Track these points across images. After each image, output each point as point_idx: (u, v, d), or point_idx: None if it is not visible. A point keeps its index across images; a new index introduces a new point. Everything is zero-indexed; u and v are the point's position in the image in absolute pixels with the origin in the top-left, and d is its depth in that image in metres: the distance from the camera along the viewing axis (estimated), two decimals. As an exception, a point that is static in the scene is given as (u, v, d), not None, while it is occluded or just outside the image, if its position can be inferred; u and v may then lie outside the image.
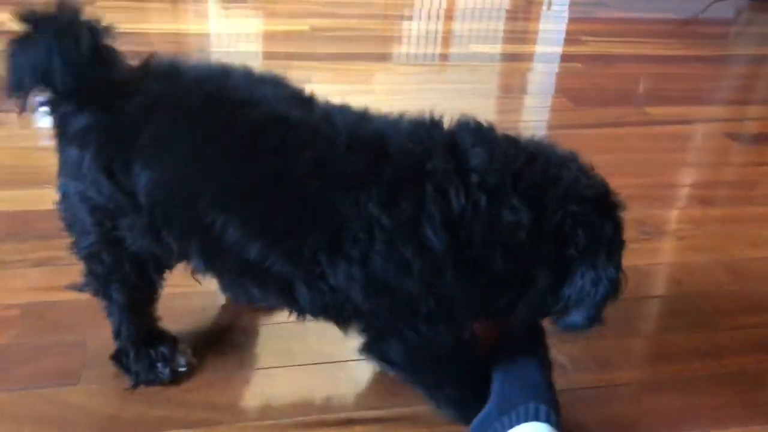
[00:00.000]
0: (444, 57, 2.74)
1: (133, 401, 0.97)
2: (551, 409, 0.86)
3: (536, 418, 0.84)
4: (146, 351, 1.00)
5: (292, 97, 0.87)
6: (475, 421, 0.89)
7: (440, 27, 3.10)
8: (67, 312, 1.12)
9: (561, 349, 1.12)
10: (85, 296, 1.11)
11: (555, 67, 2.62)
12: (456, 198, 0.78)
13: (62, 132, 0.85)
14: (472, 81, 2.39)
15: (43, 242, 1.28)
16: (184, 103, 0.83)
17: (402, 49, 2.74)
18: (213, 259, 0.86)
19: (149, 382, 1.00)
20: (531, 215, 0.79)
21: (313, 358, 1.06)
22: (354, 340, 0.90)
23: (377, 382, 1.04)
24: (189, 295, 1.16)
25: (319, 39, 2.62)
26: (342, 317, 0.87)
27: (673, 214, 1.59)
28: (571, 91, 2.28)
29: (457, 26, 3.15)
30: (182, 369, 1.02)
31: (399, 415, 0.98)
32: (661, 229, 1.51)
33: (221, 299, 1.17)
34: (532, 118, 2.12)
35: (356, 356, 0.99)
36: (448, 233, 0.78)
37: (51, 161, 0.89)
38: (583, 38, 2.89)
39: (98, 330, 1.07)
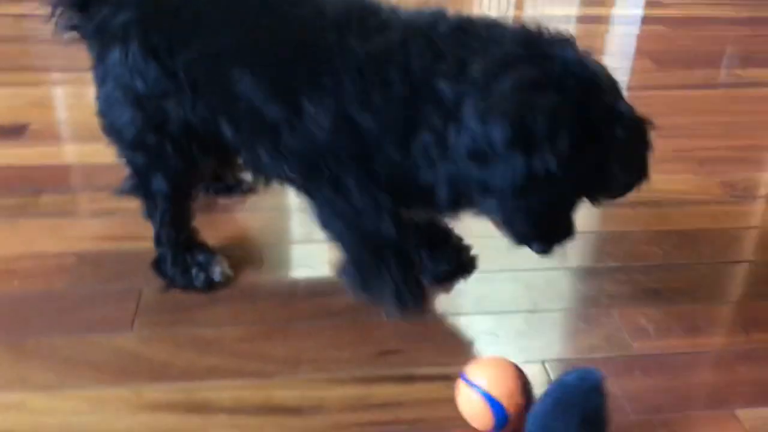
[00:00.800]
0: (518, 19, 2.63)
1: (185, 349, 0.93)
2: None
3: None
4: (183, 256, 1.04)
5: None
6: None
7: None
8: (122, 262, 1.09)
9: (644, 312, 1.03)
10: (141, 247, 1.11)
11: (635, 29, 2.48)
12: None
13: (100, 38, 0.93)
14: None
15: (102, 194, 1.26)
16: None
17: (475, 9, 2.65)
18: (236, 121, 0.92)
19: (183, 288, 1.03)
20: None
21: (372, 313, 1.00)
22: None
23: (440, 339, 0.98)
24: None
25: None
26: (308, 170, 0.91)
27: (764, 177, 1.46)
28: (654, 53, 2.14)
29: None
30: (217, 279, 1.04)
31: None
32: (751, 192, 1.39)
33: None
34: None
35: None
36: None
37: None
38: (666, 1, 2.72)
39: (152, 280, 1.05)
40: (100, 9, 0.91)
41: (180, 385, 0.88)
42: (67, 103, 1.68)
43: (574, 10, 2.74)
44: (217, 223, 1.20)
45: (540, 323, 1.01)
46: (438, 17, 0.86)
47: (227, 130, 0.93)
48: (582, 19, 2.58)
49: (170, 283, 1.03)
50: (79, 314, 0.98)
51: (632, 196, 1.32)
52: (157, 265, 1.05)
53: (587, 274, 1.12)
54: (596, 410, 0.77)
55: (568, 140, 0.73)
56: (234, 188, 1.28)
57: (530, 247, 0.86)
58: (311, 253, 1.14)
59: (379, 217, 0.89)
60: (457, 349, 0.97)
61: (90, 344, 0.93)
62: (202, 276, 1.03)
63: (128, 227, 1.17)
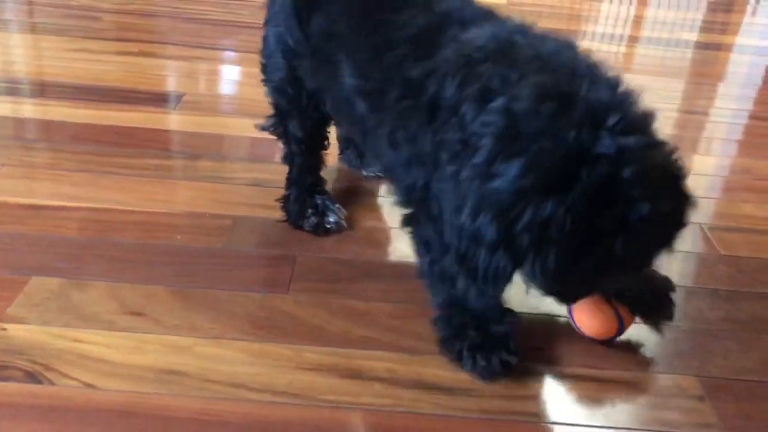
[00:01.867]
0: (633, 39, 2.59)
1: (340, 317, 0.96)
2: None
3: None
4: (304, 198, 1.14)
5: None
6: None
7: (632, 11, 2.95)
8: (276, 229, 1.14)
9: None
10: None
11: (764, 60, 2.40)
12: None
13: None
14: (662, 64, 2.23)
15: (254, 165, 1.32)
16: None
17: (591, 27, 2.63)
18: (334, 102, 1.02)
19: (296, 226, 1.13)
20: None
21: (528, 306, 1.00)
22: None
23: (589, 342, 0.97)
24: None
25: (514, 13, 2.55)
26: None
27: None
28: (791, 85, 2.07)
29: (650, 12, 2.99)
30: (329, 225, 1.13)
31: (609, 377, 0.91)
32: None
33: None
34: (731, 106, 1.94)
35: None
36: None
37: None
38: (804, 34, 2.63)
39: (307, 249, 1.09)
40: None
41: (336, 350, 0.90)
42: (216, 78, 1.76)
43: (694, 36, 2.67)
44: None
45: (685, 337, 1.00)
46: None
47: (329, 108, 1.05)
48: (702, 46, 2.52)
49: (286, 218, 1.14)
50: (238, 273, 1.03)
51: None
52: (283, 202, 1.16)
53: (736, 297, 1.09)
54: None
55: (555, 261, 0.70)
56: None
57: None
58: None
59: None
60: (607, 353, 0.96)
61: (249, 301, 0.98)
62: (314, 219, 1.13)
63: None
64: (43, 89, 1.59)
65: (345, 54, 0.95)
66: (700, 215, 1.32)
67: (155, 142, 1.38)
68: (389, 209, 1.22)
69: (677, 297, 1.05)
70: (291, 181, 1.16)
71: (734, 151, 1.66)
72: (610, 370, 0.92)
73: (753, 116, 1.88)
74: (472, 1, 0.96)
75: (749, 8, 3.12)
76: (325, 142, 1.17)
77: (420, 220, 0.90)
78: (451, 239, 0.78)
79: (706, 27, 2.83)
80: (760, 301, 1.08)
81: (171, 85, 1.65)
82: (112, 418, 0.78)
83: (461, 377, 0.88)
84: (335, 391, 0.85)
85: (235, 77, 1.78)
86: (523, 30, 0.86)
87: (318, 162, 1.17)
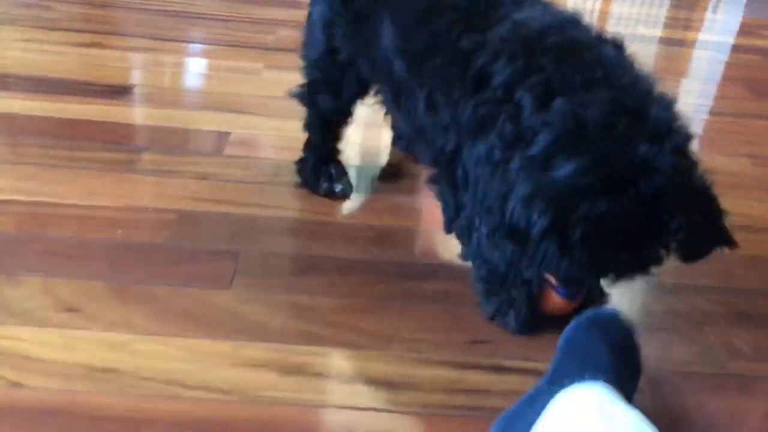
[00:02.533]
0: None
1: (281, 313, 0.95)
2: (612, 386, 0.73)
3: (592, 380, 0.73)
4: (319, 164, 1.22)
5: None
6: (524, 397, 0.78)
7: (597, 6, 2.97)
8: (221, 224, 1.12)
9: (738, 335, 1.00)
10: (238, 211, 1.14)
11: (725, 56, 2.43)
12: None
13: None
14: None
15: (201, 158, 1.30)
16: None
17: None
18: (372, 64, 1.06)
19: (309, 189, 1.22)
20: None
21: (464, 302, 1.00)
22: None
23: (537, 336, 0.97)
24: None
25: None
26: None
27: None
28: (749, 81, 2.09)
29: (615, 8, 3.01)
30: (336, 191, 1.21)
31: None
32: None
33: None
34: (694, 101, 1.96)
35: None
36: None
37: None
38: (763, 32, 2.66)
39: (251, 243, 1.08)
40: None
41: (275, 346, 0.89)
42: (168, 70, 1.73)
43: (658, 32, 2.70)
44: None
45: (632, 332, 1.00)
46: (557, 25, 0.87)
47: (365, 71, 1.09)
48: (665, 41, 2.54)
49: (301, 181, 1.23)
50: (179, 268, 1.01)
51: (731, 220, 1.31)
52: (299, 164, 1.24)
53: (679, 290, 1.10)
54: (628, 345, 0.80)
55: (599, 252, 0.76)
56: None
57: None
58: (409, 234, 1.15)
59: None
60: (546, 346, 0.96)
61: (189, 297, 0.96)
62: (325, 185, 1.21)
63: (227, 192, 1.20)
64: (-11, 80, 1.54)
65: (388, 16, 0.99)
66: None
67: (102, 134, 1.34)
68: (333, 203, 1.21)
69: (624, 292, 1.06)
70: (309, 149, 1.24)
71: (695, 146, 1.67)
72: (547, 362, 0.91)
73: (713, 112, 1.90)
74: None
75: (711, 5, 3.15)
76: (349, 119, 1.22)
77: (443, 181, 0.95)
78: (473, 210, 0.85)
79: (670, 23, 2.86)
80: (703, 293, 1.09)
81: (122, 77, 1.61)
82: (40, 417, 0.76)
83: (403, 372, 0.88)
84: (273, 387, 0.83)
85: (189, 69, 1.75)
86: (574, 20, 0.89)
87: (337, 135, 1.24)
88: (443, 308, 0.99)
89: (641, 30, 2.64)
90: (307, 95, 1.19)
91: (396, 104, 1.05)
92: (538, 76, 0.81)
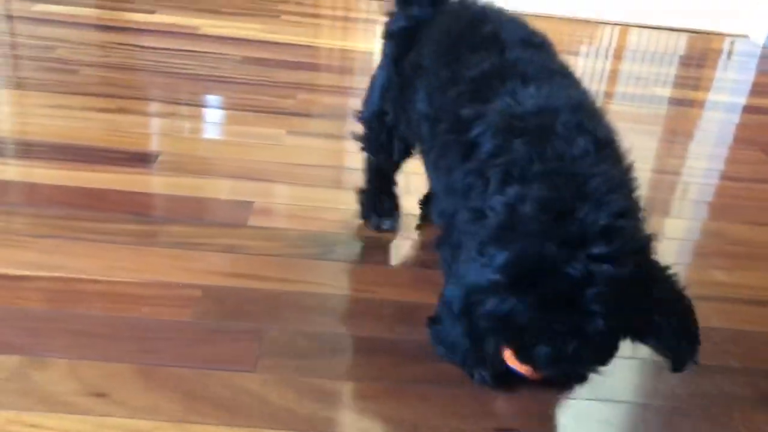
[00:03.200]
0: (609, 95, 2.63)
1: (307, 398, 0.94)
2: None
3: None
4: (373, 198, 1.36)
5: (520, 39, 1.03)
6: None
7: (608, 66, 3.00)
8: (246, 300, 1.12)
9: (766, 421, 0.99)
10: (264, 287, 1.15)
11: (736, 117, 2.44)
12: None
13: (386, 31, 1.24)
14: (636, 121, 2.26)
15: (228, 230, 1.31)
16: (446, 24, 1.12)
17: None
18: (408, 124, 1.16)
19: (362, 218, 1.37)
20: None
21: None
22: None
23: (558, 421, 0.96)
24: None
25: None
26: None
27: None
28: (765, 144, 2.10)
29: (625, 66, 3.04)
30: (384, 227, 1.34)
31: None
32: None
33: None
34: (705, 165, 1.97)
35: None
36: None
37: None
38: (776, 92, 2.68)
39: (276, 321, 1.08)
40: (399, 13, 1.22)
41: (301, 435, 0.89)
42: (192, 136, 1.76)
43: (667, 91, 2.71)
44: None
45: (655, 417, 0.99)
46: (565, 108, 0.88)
47: (403, 129, 1.21)
48: (674, 102, 2.55)
49: (360, 209, 1.37)
50: (203, 348, 1.01)
51: (755, 294, 1.30)
52: (359, 194, 1.37)
53: (704, 371, 1.08)
54: None
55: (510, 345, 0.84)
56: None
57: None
58: (432, 311, 1.15)
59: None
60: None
61: (214, 380, 0.95)
62: (374, 220, 1.34)
63: (250, 266, 1.21)
64: (17, 148, 1.57)
65: (423, 82, 1.08)
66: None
67: (128, 205, 1.36)
68: (353, 275, 1.21)
69: (647, 373, 1.05)
70: (366, 181, 1.37)
71: (705, 213, 1.67)
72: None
73: (726, 176, 1.90)
74: (548, 52, 1.05)
75: (721, 63, 3.18)
76: (399, 168, 1.34)
77: (445, 245, 0.97)
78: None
79: (679, 82, 2.87)
80: (731, 375, 1.07)
81: (147, 143, 1.64)
82: None
83: (429, 463, 0.87)
84: (299, 479, 0.83)
85: (212, 135, 1.78)
86: (577, 105, 0.90)
87: (391, 175, 1.37)
88: (468, 392, 0.98)
89: (651, 90, 2.66)
90: (363, 145, 1.32)
91: (424, 165, 1.13)
92: (506, 156, 0.84)
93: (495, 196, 0.82)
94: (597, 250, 0.75)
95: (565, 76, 1.00)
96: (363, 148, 1.34)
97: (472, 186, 0.87)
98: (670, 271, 0.84)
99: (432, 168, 1.06)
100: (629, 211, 0.81)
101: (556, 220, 0.76)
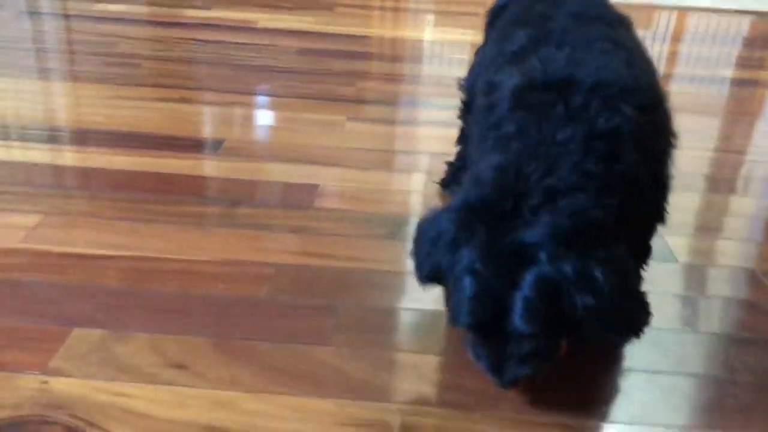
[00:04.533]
0: (668, 77, 2.56)
1: (384, 370, 0.94)
2: None
3: None
4: (458, 173, 1.34)
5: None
6: None
7: (666, 48, 2.92)
8: (318, 278, 1.12)
9: None
10: (334, 265, 1.14)
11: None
12: None
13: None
14: (697, 102, 2.20)
15: (294, 212, 1.31)
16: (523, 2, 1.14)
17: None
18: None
19: (443, 185, 1.42)
20: None
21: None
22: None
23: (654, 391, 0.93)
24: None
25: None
26: None
27: None
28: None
29: (684, 48, 2.96)
30: None
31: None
32: None
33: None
34: (768, 144, 1.90)
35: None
36: None
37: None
38: None
39: (349, 297, 1.07)
40: None
41: (380, 405, 0.88)
42: (254, 124, 1.77)
43: (729, 72, 2.64)
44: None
45: (747, 393, 0.95)
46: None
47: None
48: (737, 82, 2.47)
49: (442, 182, 1.42)
50: (279, 323, 1.01)
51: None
52: (447, 167, 1.41)
53: (729, 342, 1.04)
54: None
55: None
56: None
57: None
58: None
59: None
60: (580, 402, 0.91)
61: (291, 353, 0.95)
62: (455, 189, 1.27)
63: (319, 246, 1.21)
64: (83, 137, 1.61)
65: (486, 57, 1.12)
66: (747, 259, 1.28)
67: (195, 189, 1.38)
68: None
69: (732, 349, 1.01)
70: (456, 153, 1.38)
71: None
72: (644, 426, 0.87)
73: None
74: (611, 26, 1.03)
75: (784, 44, 3.07)
76: None
77: None
78: None
79: (742, 63, 2.79)
80: (763, 346, 1.03)
81: (210, 131, 1.67)
82: (154, 477, 0.76)
83: (509, 434, 0.85)
84: (382, 448, 0.82)
85: (273, 122, 1.79)
86: (603, 81, 0.86)
87: None
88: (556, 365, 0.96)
89: (712, 71, 2.59)
90: (459, 114, 1.34)
91: None
92: (502, 128, 0.87)
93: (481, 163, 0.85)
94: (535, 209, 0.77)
95: (615, 46, 0.95)
96: (459, 116, 1.34)
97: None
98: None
99: (473, 138, 1.04)
100: (591, 211, 0.78)
101: (511, 181, 0.79)
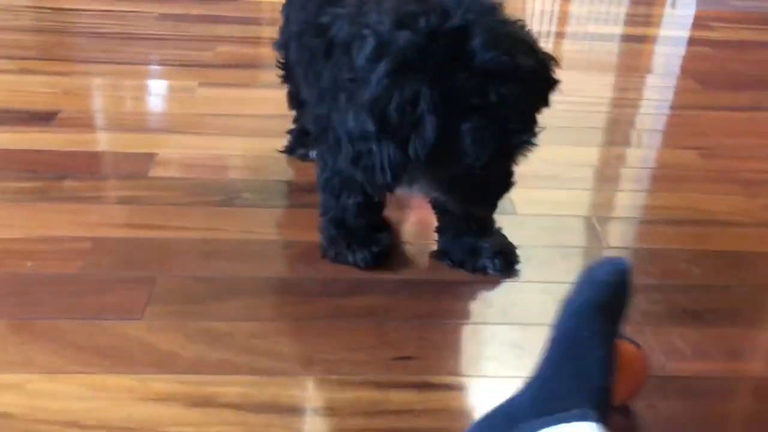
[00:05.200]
0: (560, 35, 2.59)
1: (197, 341, 0.89)
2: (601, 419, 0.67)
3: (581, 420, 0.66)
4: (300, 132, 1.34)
5: None
6: (501, 407, 0.71)
7: (557, 7, 2.95)
8: (140, 250, 1.06)
9: (680, 333, 0.96)
10: (158, 235, 1.09)
11: (681, 50, 2.42)
12: None
13: None
14: (589, 59, 2.23)
15: (124, 183, 1.24)
16: None
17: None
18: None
19: (288, 151, 1.38)
20: None
21: (390, 317, 0.95)
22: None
23: (460, 348, 0.93)
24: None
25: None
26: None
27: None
28: (698, 73, 2.07)
29: (575, 8, 3.00)
30: (311, 156, 1.31)
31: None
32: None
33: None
34: (654, 97, 1.94)
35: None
36: None
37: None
38: (713, 24, 2.65)
39: (170, 269, 1.02)
40: None
41: (186, 378, 0.84)
42: (97, 93, 1.67)
43: (618, 29, 2.69)
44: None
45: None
46: None
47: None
48: (626, 38, 2.53)
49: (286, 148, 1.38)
50: (89, 299, 0.96)
51: (673, 214, 1.27)
52: (289, 132, 1.38)
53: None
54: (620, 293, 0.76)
55: (431, 131, 0.78)
56: None
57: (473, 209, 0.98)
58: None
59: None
60: (477, 359, 0.92)
61: (98, 330, 0.90)
62: (301, 151, 1.34)
63: (148, 216, 1.15)
64: None
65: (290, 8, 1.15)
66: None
67: (21, 163, 1.29)
68: (259, 219, 1.16)
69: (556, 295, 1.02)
70: (295, 119, 1.37)
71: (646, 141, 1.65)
72: (479, 377, 0.87)
73: (673, 106, 1.87)
74: None
75: (669, 0, 3.15)
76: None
77: (321, 144, 1.01)
78: (345, 153, 0.86)
79: (630, 20, 2.85)
80: (642, 292, 1.04)
81: (49, 102, 1.56)
82: None
83: (321, 396, 0.83)
84: (180, 421, 0.78)
85: (118, 92, 1.69)
86: None
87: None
88: (368, 325, 0.94)
89: (602, 28, 2.63)
90: (282, 77, 1.30)
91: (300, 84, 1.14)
92: (360, 25, 0.86)
93: (360, 54, 0.83)
94: (459, 10, 0.80)
95: None
96: (283, 80, 1.29)
97: (340, 83, 0.87)
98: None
99: (303, 81, 1.06)
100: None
101: (413, 13, 0.81)
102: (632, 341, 0.82)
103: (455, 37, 0.79)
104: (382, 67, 0.79)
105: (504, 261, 1.06)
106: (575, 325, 0.73)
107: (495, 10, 0.84)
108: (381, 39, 0.81)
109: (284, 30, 1.21)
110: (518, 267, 1.08)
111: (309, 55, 0.99)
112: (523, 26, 0.87)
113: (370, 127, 0.80)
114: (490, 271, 1.05)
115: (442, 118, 0.78)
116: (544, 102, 0.88)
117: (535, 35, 0.87)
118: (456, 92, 0.79)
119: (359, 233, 1.05)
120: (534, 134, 0.85)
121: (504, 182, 0.90)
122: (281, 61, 1.27)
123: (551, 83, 0.88)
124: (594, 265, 0.77)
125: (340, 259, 1.05)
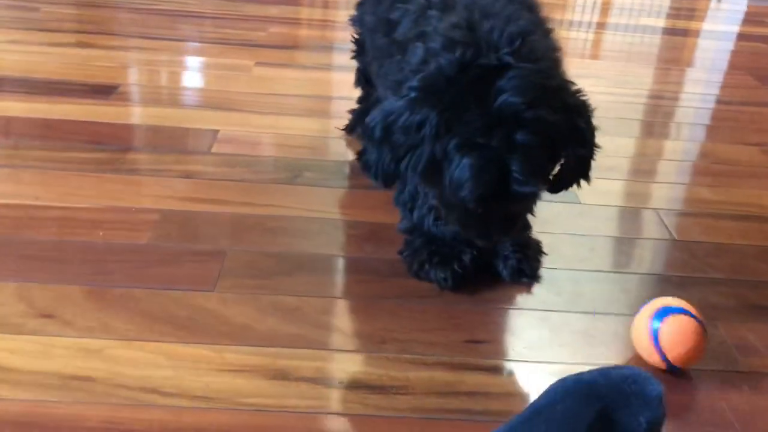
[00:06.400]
0: (601, 26, 2.56)
1: (268, 315, 0.90)
2: None
3: None
4: (364, 112, 1.24)
5: None
6: None
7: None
8: (207, 223, 1.07)
9: (752, 329, 0.95)
10: (224, 210, 1.10)
11: (730, 45, 2.38)
12: None
13: None
14: (629, 50, 2.20)
15: (186, 157, 1.25)
16: None
17: (559, 15, 2.59)
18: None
19: (348, 130, 1.39)
20: None
21: (461, 300, 0.95)
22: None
23: (530, 333, 0.92)
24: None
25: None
26: None
27: None
28: (755, 69, 2.04)
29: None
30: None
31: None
32: None
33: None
34: (700, 91, 1.91)
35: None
36: None
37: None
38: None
39: (237, 243, 1.03)
40: None
41: (260, 350, 0.84)
42: (154, 69, 1.68)
43: (662, 22, 2.65)
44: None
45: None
46: None
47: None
48: (669, 31, 2.49)
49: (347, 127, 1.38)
50: (161, 270, 0.96)
51: (738, 209, 1.25)
52: (351, 112, 1.37)
53: (688, 283, 1.05)
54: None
55: (424, 159, 0.82)
56: None
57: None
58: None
59: None
60: (548, 345, 0.91)
61: (171, 300, 0.91)
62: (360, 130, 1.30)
63: (212, 191, 1.16)
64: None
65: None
66: (658, 201, 1.28)
67: (84, 134, 1.30)
68: (322, 198, 1.16)
69: (631, 285, 1.01)
70: (359, 99, 1.36)
71: (701, 136, 1.62)
72: (548, 362, 0.86)
73: (719, 101, 1.84)
74: None
75: (713, -1, 3.11)
76: None
77: None
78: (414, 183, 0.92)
79: (673, 13, 2.81)
80: (710, 286, 1.03)
81: (108, 76, 1.57)
82: (11, 430, 0.71)
83: (395, 375, 0.82)
84: (257, 393, 0.78)
85: (177, 68, 1.71)
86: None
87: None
88: (438, 306, 0.94)
89: (644, 20, 2.59)
90: (354, 53, 1.30)
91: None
92: (420, 27, 0.87)
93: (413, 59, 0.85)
94: (503, 44, 0.79)
95: None
96: (353, 56, 1.29)
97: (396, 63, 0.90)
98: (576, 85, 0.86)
99: (376, 76, 1.07)
100: (534, 26, 0.85)
101: (461, 36, 0.81)
102: (692, 315, 0.85)
103: (485, 74, 0.79)
104: (411, 83, 0.82)
105: (516, 266, 1.00)
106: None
107: (545, 58, 0.83)
108: (427, 55, 0.83)
109: (360, 6, 1.21)
110: (587, 257, 1.06)
111: (378, 51, 1.02)
112: (566, 81, 0.85)
113: (377, 133, 0.84)
114: (505, 276, 1.00)
115: (443, 147, 0.80)
116: (584, 174, 0.89)
117: (582, 96, 0.86)
118: (463, 127, 0.79)
119: (440, 243, 0.99)
120: (539, 187, 0.82)
121: (505, 226, 0.87)
122: (355, 36, 1.26)
123: (589, 149, 0.86)
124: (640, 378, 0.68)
125: (422, 275, 0.98)
